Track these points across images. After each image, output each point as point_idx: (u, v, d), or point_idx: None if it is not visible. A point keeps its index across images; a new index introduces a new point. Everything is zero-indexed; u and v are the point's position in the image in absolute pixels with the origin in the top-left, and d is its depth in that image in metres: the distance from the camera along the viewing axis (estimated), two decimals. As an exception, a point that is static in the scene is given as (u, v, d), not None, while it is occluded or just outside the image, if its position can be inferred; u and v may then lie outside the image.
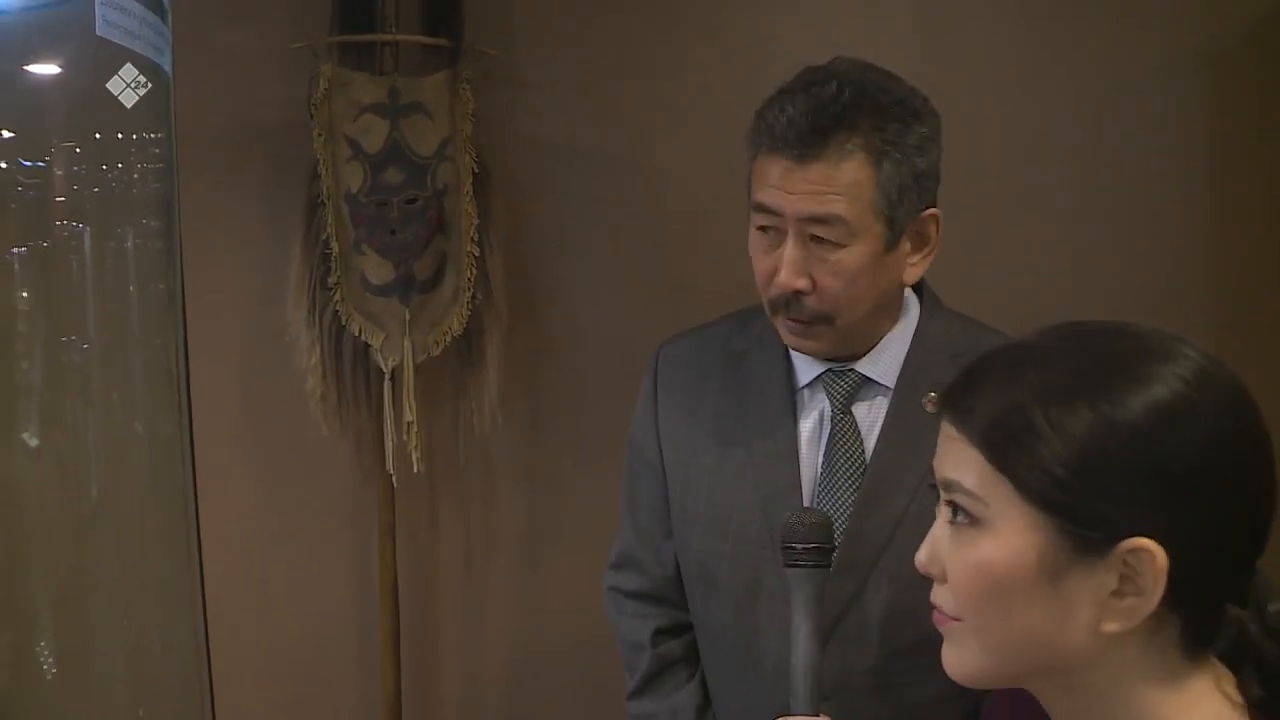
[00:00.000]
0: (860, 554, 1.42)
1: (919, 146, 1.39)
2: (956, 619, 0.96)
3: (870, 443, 1.45)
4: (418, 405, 2.47)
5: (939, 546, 0.97)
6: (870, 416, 1.47)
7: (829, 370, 1.47)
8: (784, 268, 1.38)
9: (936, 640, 1.39)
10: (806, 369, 1.49)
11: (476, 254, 2.51)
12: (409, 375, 2.46)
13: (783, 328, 1.45)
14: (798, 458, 1.46)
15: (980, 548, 0.92)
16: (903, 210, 1.39)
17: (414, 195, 2.44)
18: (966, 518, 0.94)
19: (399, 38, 2.45)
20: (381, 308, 2.46)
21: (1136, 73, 2.49)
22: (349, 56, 2.44)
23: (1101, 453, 0.88)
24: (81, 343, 1.72)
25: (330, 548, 2.63)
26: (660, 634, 1.62)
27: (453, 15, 2.46)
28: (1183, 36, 2.49)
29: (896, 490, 1.43)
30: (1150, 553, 0.87)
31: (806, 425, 1.48)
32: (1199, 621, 0.91)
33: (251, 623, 2.55)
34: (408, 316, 2.46)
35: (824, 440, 1.46)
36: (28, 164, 1.55)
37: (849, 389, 1.47)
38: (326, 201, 2.43)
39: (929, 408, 1.43)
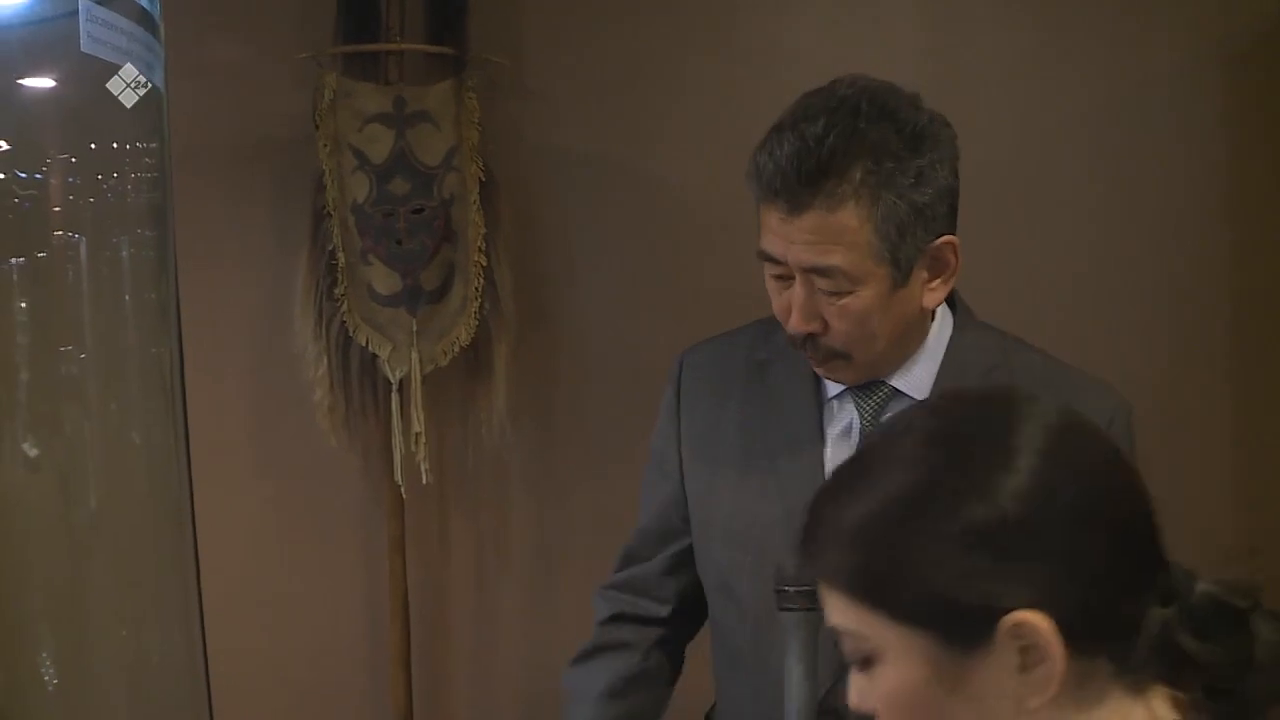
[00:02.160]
0: None
1: (918, 180, 1.32)
2: None
3: None
4: (426, 416, 2.46)
5: (859, 687, 0.94)
6: None
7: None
8: (794, 313, 1.35)
9: None
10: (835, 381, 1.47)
11: (484, 264, 2.49)
12: (416, 386, 2.44)
13: (811, 361, 1.42)
14: (823, 471, 1.42)
15: (882, 681, 0.91)
16: (907, 248, 1.33)
17: (420, 205, 2.42)
18: (861, 657, 0.93)
19: (404, 46, 2.43)
20: (389, 318, 2.44)
21: (1151, 73, 2.46)
22: (353, 66, 2.43)
23: (941, 560, 0.87)
24: (79, 353, 1.72)
25: (339, 559, 2.61)
26: (618, 618, 1.61)
27: (457, 24, 2.44)
28: (1199, 36, 2.46)
29: None
30: (1030, 623, 0.86)
31: (834, 438, 1.45)
32: (1122, 651, 0.89)
33: (260, 635, 2.53)
34: (415, 327, 2.44)
35: (853, 449, 1.41)
36: (23, 175, 1.54)
37: (880, 402, 1.44)
38: (332, 212, 2.41)
39: None
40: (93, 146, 1.37)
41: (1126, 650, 0.90)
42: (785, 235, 1.33)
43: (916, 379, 1.44)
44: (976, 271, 2.44)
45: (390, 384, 2.46)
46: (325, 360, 2.45)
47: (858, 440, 1.43)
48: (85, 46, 1.12)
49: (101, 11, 1.12)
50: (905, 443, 0.93)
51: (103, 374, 1.61)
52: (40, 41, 1.35)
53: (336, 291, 2.43)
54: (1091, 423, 0.96)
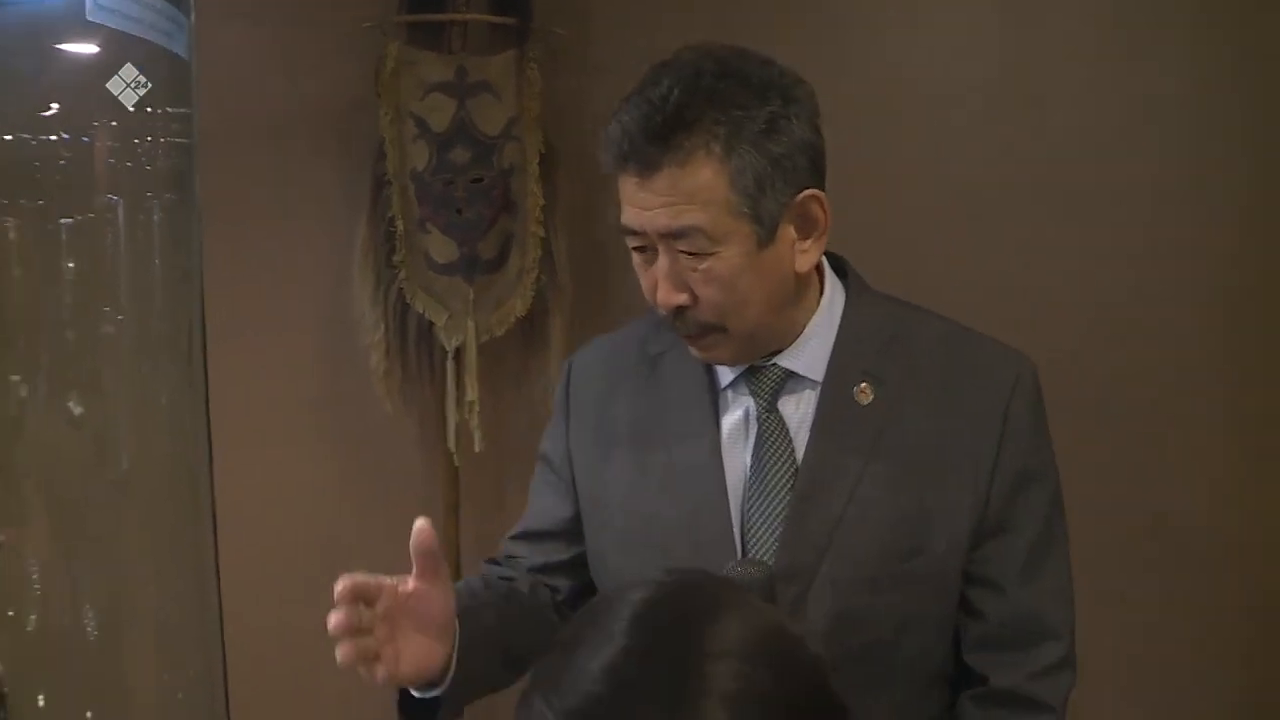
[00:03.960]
0: (800, 560, 1.32)
1: (769, 128, 1.25)
2: None
3: (800, 441, 1.34)
4: (480, 385, 2.48)
5: None
6: (799, 413, 1.35)
7: (750, 367, 1.37)
8: (659, 285, 1.29)
9: (884, 647, 1.32)
10: (727, 368, 1.39)
11: (542, 235, 2.50)
12: (471, 355, 2.46)
13: (687, 344, 1.36)
14: (722, 463, 1.35)
15: None
16: (767, 201, 1.26)
17: (480, 174, 2.43)
18: None
19: (467, 17, 2.44)
20: (446, 286, 2.47)
21: (1224, 67, 2.36)
22: (417, 35, 2.45)
23: None
24: (116, 314, 1.77)
25: (395, 522, 2.63)
26: (515, 558, 1.54)
27: (520, -7, 2.45)
28: (1271, 31, 2.35)
29: (832, 492, 1.32)
30: None
31: (730, 427, 1.37)
32: None
33: (315, 598, 2.58)
34: (471, 296, 2.46)
35: (751, 441, 1.36)
36: (68, 138, 1.59)
37: (774, 385, 1.36)
38: (392, 180, 2.44)
39: (861, 399, 1.34)
40: (115, 121, 1.39)
41: None
42: (641, 202, 1.27)
43: (810, 358, 1.37)
44: (1040, 256, 2.41)
45: (445, 352, 2.48)
46: (382, 326, 2.48)
47: (755, 428, 1.36)
48: (91, 15, 1.14)
49: (104, -18, 1.14)
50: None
51: (135, 336, 1.65)
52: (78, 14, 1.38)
53: (395, 259, 2.46)
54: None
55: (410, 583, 1.23)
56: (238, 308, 2.46)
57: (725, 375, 1.39)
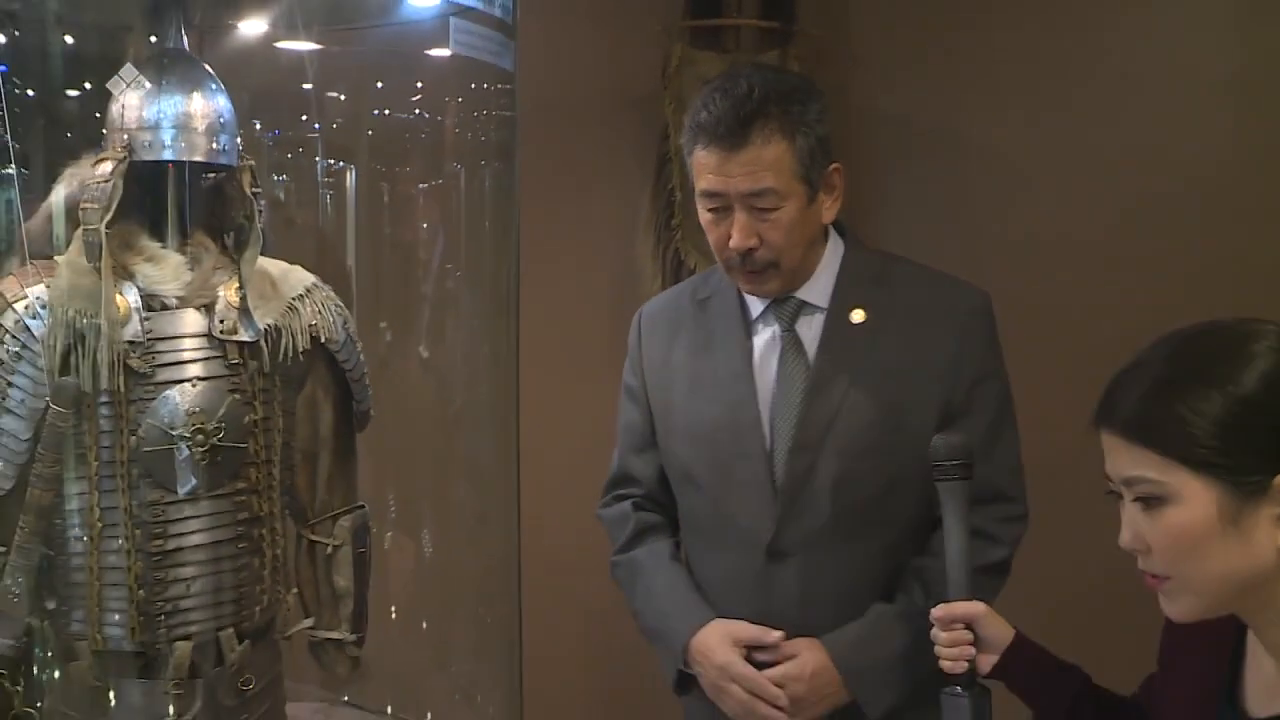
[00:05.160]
0: (811, 436, 1.75)
1: (819, 119, 1.71)
2: (1167, 578, 1.22)
3: (811, 352, 1.79)
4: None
5: (1138, 528, 1.23)
6: (811, 332, 1.79)
7: (774, 300, 1.81)
8: (736, 233, 1.71)
9: (877, 501, 1.77)
10: (757, 302, 1.83)
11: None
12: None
13: (740, 279, 1.79)
14: (753, 372, 1.80)
15: (1171, 517, 1.18)
16: (815, 171, 1.72)
17: (746, 155, 2.89)
18: (1154, 500, 1.19)
19: (740, 22, 2.91)
20: (714, 246, 2.95)
21: None
22: (698, 38, 2.94)
23: (1236, 420, 1.16)
24: (456, 270, 2.33)
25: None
26: (641, 509, 1.96)
27: (785, 1, 2.89)
28: None
29: (834, 385, 1.75)
30: None
31: (761, 345, 1.81)
32: None
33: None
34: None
35: (776, 354, 1.80)
36: (427, 116, 2.16)
37: (792, 312, 1.80)
38: (673, 158, 2.94)
39: (854, 319, 1.78)
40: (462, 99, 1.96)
41: None
42: (725, 172, 1.69)
43: (819, 289, 1.80)
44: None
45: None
46: (659, 279, 2.99)
47: (779, 345, 1.79)
48: (454, 48, 1.70)
49: (464, 24, 1.70)
50: (1201, 340, 1.21)
51: (470, 289, 2.22)
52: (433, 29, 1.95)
53: (674, 223, 2.96)
54: None
55: None
56: (547, 264, 3.01)
57: (756, 308, 1.83)
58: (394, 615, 2.26)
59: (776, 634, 1.76)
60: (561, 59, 3.03)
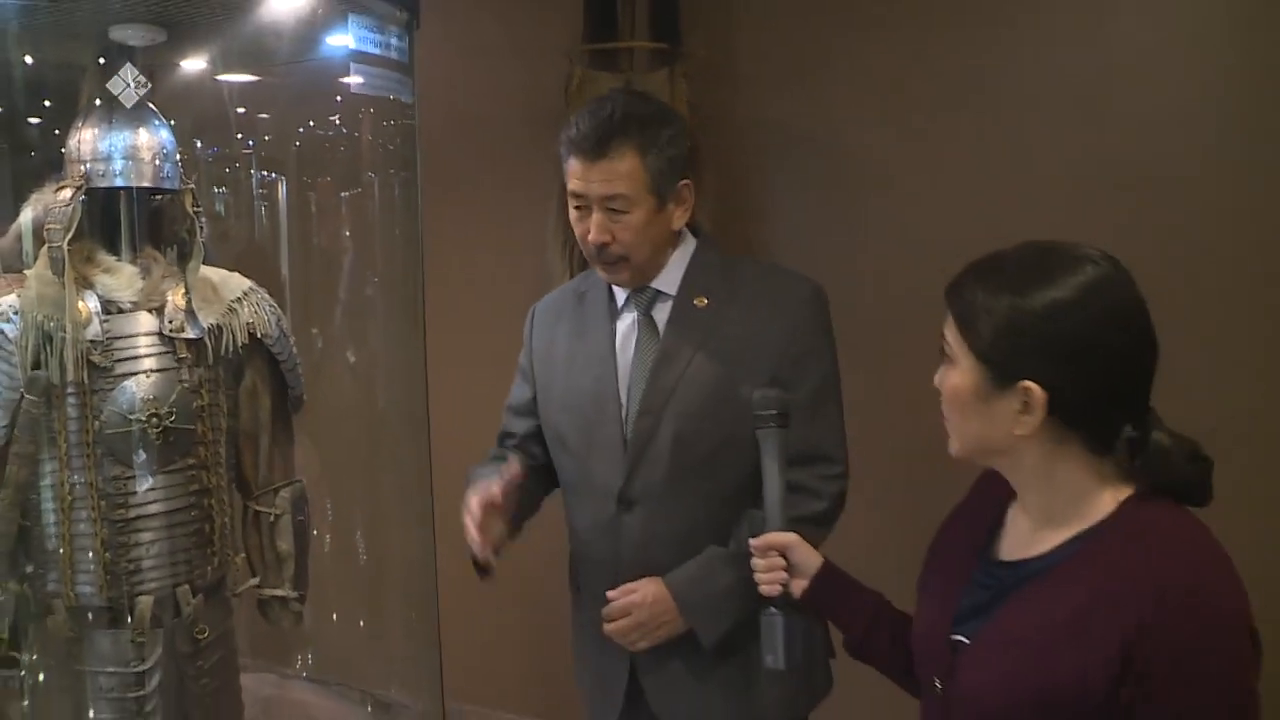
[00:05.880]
0: (655, 402, 2.03)
1: (670, 141, 2.00)
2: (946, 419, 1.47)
3: (662, 331, 2.07)
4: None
5: (941, 375, 1.46)
6: (662, 317, 2.08)
7: (635, 291, 2.10)
8: (593, 230, 2.00)
9: (711, 459, 2.04)
10: (622, 294, 2.12)
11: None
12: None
13: (598, 268, 2.09)
14: (615, 352, 2.09)
15: (951, 377, 1.44)
16: (665, 185, 2.01)
17: (641, 164, 3.21)
18: (947, 360, 1.45)
19: (633, 44, 3.22)
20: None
21: None
22: (596, 60, 3.24)
23: (1011, 328, 1.37)
24: (373, 276, 2.63)
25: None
26: (502, 443, 2.27)
27: (672, 24, 3.21)
28: None
29: (677, 358, 2.03)
30: (1031, 390, 1.36)
31: (623, 329, 2.10)
32: (1094, 436, 1.39)
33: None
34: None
35: (634, 336, 2.09)
36: (346, 132, 2.45)
37: (648, 300, 2.09)
38: (576, 168, 3.24)
39: (697, 304, 2.06)
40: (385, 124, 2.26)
41: (1096, 437, 1.37)
42: (587, 178, 1.98)
43: (670, 280, 2.08)
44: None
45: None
46: (568, 278, 3.26)
47: (636, 330, 2.07)
48: (356, 89, 2.01)
49: (364, 68, 2.00)
50: (1033, 254, 1.41)
51: (383, 294, 2.51)
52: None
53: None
54: (1131, 281, 1.38)
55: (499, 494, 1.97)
56: (465, 267, 3.30)
57: (620, 298, 2.12)
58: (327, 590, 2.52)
59: (496, 490, 1.95)
60: (480, 82, 3.34)
